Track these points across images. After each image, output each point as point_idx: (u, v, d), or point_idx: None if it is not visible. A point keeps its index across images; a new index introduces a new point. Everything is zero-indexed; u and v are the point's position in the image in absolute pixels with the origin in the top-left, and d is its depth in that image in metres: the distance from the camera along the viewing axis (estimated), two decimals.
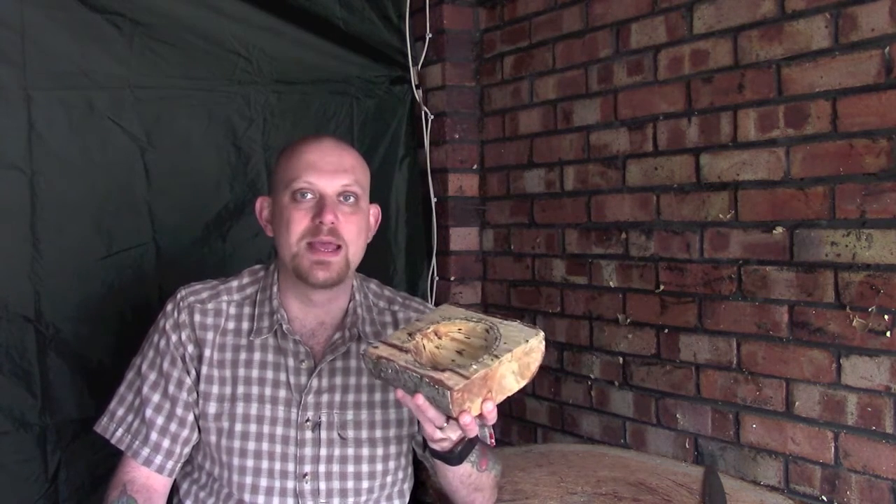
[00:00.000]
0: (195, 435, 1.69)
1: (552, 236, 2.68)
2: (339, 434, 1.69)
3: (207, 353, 1.68)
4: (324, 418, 1.69)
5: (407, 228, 2.92)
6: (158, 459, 1.67)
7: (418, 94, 2.97)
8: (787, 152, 2.00)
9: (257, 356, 1.69)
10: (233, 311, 1.72)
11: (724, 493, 1.94)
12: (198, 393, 1.68)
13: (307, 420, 1.68)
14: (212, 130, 2.56)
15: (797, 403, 2.00)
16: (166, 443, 1.67)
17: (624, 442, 2.45)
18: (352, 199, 1.67)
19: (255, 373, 1.69)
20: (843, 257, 1.89)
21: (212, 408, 1.68)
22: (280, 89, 2.67)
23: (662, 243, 2.31)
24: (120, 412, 1.71)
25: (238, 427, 1.66)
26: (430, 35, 2.95)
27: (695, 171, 2.21)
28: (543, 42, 2.69)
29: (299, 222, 1.63)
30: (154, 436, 1.67)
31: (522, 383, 1.43)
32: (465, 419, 1.37)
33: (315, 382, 1.69)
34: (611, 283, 2.47)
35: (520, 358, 1.41)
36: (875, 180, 1.83)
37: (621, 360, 2.45)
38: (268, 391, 1.68)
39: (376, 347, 1.50)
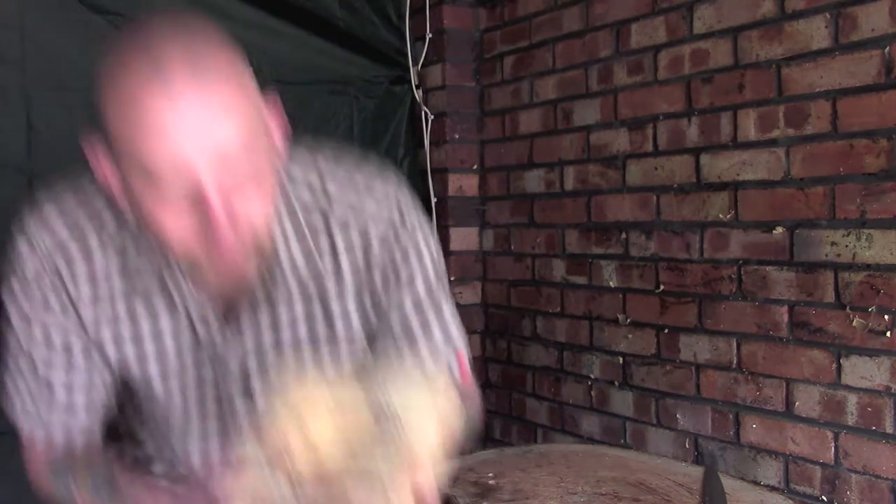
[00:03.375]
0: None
1: (552, 236, 2.67)
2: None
3: None
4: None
5: None
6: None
7: (418, 94, 2.97)
8: (787, 152, 2.00)
9: None
10: None
11: (724, 493, 1.94)
12: None
13: None
14: None
15: (797, 403, 2.00)
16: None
17: (624, 442, 2.45)
18: (244, 164, 1.06)
19: None
20: (843, 257, 1.89)
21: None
22: (280, 89, 2.66)
23: (662, 243, 2.31)
24: None
25: None
26: (430, 35, 2.95)
27: (695, 171, 2.21)
28: (543, 42, 2.69)
29: (180, 234, 1.04)
30: None
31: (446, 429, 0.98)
32: None
33: None
34: (611, 283, 2.47)
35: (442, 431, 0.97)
36: (875, 180, 1.83)
37: (621, 360, 2.45)
38: None
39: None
